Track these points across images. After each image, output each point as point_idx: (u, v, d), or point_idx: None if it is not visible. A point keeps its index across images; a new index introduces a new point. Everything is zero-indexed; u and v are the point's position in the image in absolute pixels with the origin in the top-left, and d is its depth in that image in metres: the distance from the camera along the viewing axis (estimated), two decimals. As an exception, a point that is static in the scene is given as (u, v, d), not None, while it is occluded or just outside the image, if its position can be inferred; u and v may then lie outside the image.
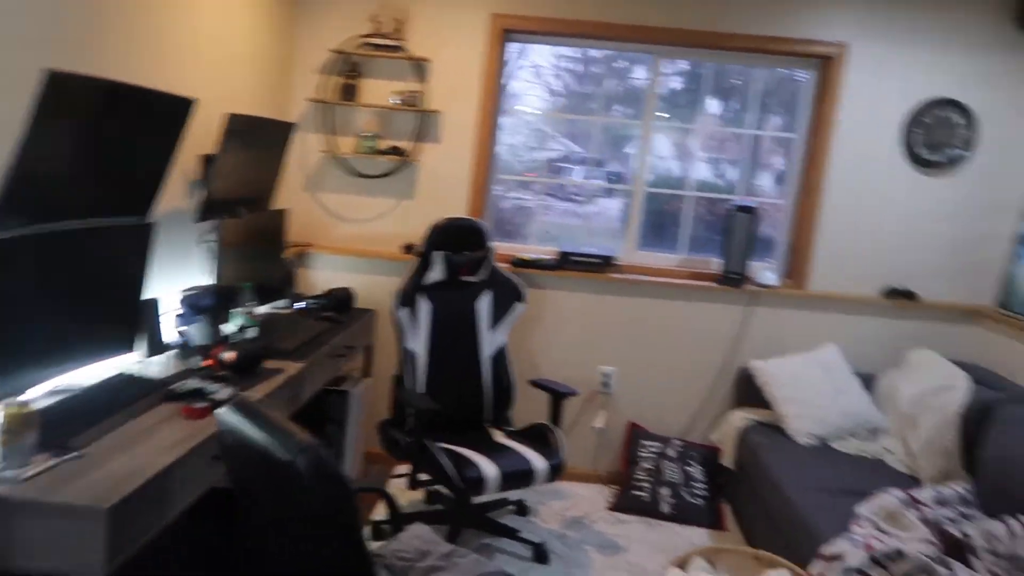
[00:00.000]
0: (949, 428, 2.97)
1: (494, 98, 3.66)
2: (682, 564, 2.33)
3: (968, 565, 2.31)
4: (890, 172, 3.63)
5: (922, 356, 3.46)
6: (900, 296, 3.66)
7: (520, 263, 3.71)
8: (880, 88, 3.57)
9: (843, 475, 2.94)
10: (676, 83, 3.86)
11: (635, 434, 3.76)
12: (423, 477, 2.94)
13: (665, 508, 3.48)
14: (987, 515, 2.59)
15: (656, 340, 3.79)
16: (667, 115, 3.82)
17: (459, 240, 3.35)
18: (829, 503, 2.66)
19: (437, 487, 3.47)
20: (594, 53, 3.82)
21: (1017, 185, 3.57)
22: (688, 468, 3.64)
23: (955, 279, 3.69)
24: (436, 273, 3.29)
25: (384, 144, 3.68)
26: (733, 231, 3.63)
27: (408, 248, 3.71)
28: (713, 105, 3.84)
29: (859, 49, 3.54)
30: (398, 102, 3.61)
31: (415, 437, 2.89)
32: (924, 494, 2.60)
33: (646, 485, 3.58)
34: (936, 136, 3.56)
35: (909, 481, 2.97)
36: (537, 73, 3.86)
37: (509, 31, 3.65)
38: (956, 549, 2.34)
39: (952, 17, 3.50)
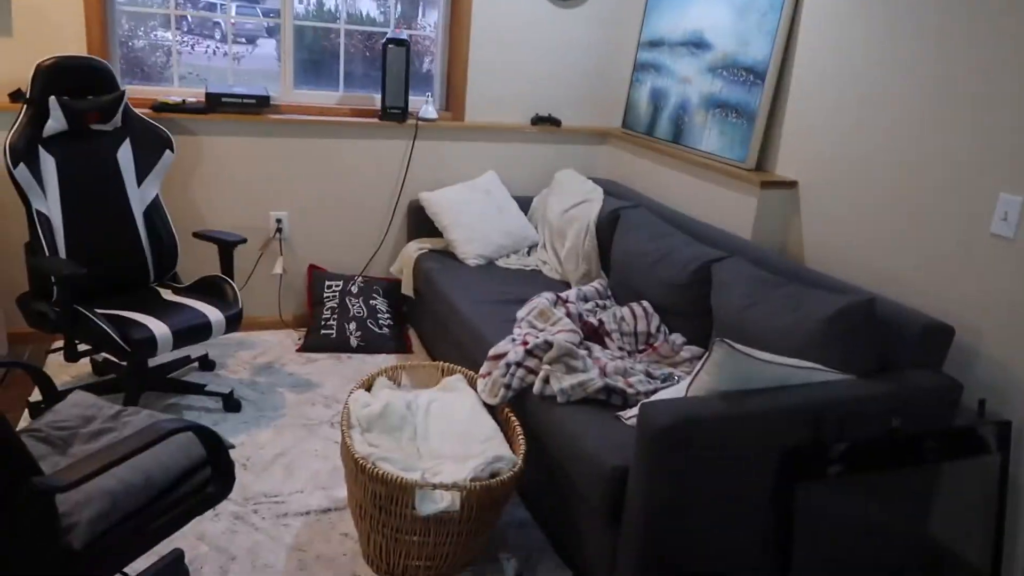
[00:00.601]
0: (588, 236, 3.42)
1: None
2: (368, 386, 2.46)
3: (604, 345, 2.76)
4: (531, 5, 3.83)
5: (565, 176, 3.87)
6: (546, 122, 4.00)
7: (162, 107, 3.33)
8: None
9: (506, 288, 3.27)
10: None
11: (316, 276, 3.76)
12: (84, 348, 2.67)
13: (353, 342, 3.60)
14: (618, 304, 3.10)
15: (325, 180, 3.73)
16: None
17: (80, 83, 2.88)
18: (495, 313, 2.96)
19: (106, 356, 3.18)
20: None
21: (636, 13, 3.99)
22: (372, 302, 3.76)
23: (590, 104, 4.12)
24: (56, 122, 2.82)
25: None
26: (389, 65, 3.61)
27: (16, 95, 3.11)
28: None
29: None
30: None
31: (64, 306, 2.58)
32: (570, 293, 3.01)
33: (333, 323, 3.65)
34: (569, -32, 3.81)
35: (561, 286, 3.41)
36: None
37: None
38: (595, 334, 2.78)
39: None
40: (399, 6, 3.80)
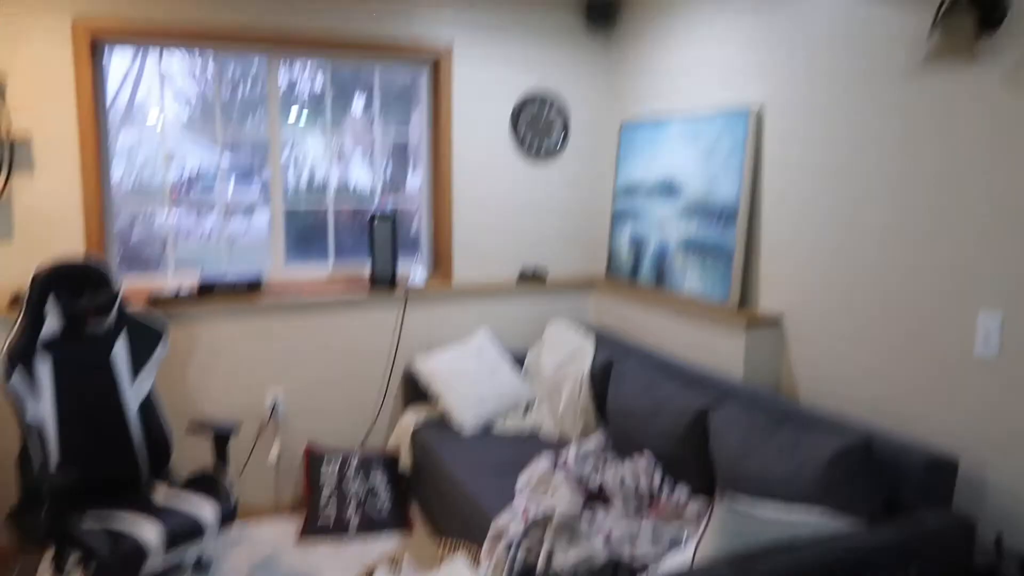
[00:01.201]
0: (583, 391, 3.40)
1: (93, 115, 3.29)
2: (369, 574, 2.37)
3: (608, 506, 2.68)
4: (507, 162, 4.01)
5: (556, 328, 3.90)
6: (533, 276, 4.08)
7: (157, 300, 3.41)
8: (486, 83, 3.91)
9: (505, 454, 3.21)
10: (316, 87, 3.82)
11: (312, 457, 3.71)
12: (73, 559, 2.58)
13: (353, 525, 3.50)
14: (619, 458, 3.03)
15: (318, 356, 3.76)
16: (302, 122, 3.78)
17: (77, 284, 2.98)
18: (495, 482, 2.89)
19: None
20: (230, 56, 3.63)
21: (609, 163, 4.17)
22: (371, 478, 3.68)
23: (574, 254, 4.22)
24: (53, 325, 2.89)
25: (-40, 187, 3.11)
26: (377, 236, 3.73)
27: (16, 301, 3.21)
28: (355, 108, 3.88)
29: (462, 49, 3.84)
30: (-30, 137, 3.07)
31: (51, 516, 2.53)
32: (569, 454, 2.95)
33: (332, 507, 3.55)
34: (537, 128, 4.02)
35: (559, 445, 3.35)
36: (164, 80, 3.55)
37: (100, 38, 3.30)
38: (599, 496, 2.70)
39: (536, 16, 3.95)
40: (388, 172, 3.98)
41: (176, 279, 3.65)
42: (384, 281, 3.77)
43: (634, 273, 3.81)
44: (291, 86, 3.78)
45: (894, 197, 2.45)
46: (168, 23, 3.35)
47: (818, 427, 2.38)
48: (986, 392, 2.15)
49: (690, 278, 3.37)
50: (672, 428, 2.77)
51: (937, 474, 2.08)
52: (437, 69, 3.86)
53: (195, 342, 3.54)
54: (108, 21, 3.26)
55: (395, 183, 4.03)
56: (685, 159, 3.44)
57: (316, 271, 3.86)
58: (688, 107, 3.49)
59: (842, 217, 2.66)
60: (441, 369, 3.67)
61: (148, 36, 3.33)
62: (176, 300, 3.44)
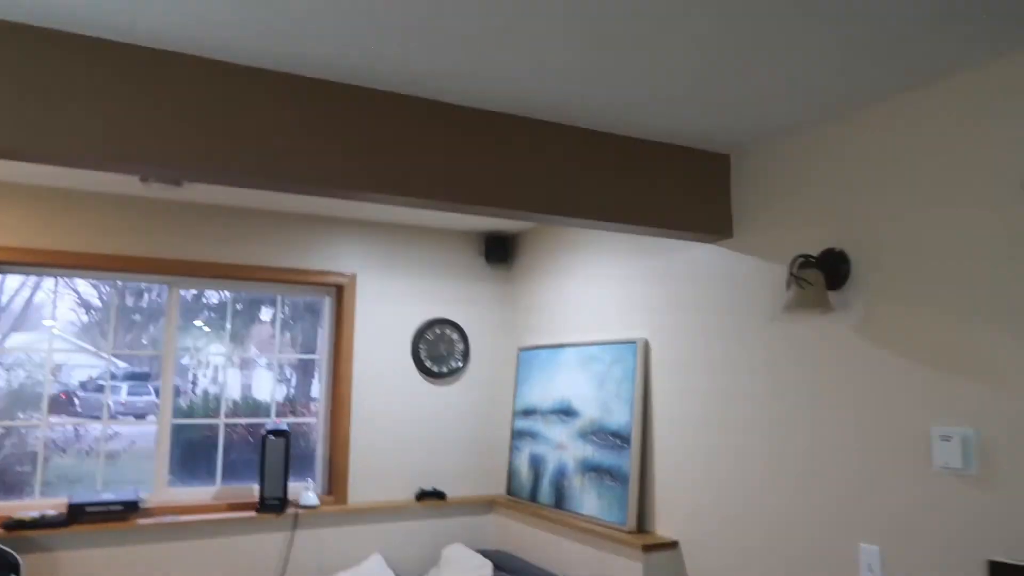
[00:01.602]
0: (480, 619, 3.24)
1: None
2: None
3: None
4: (407, 384, 4.06)
5: (453, 551, 3.77)
6: (430, 496, 3.99)
7: (15, 525, 3.12)
8: (389, 309, 4.05)
9: None
10: (214, 304, 3.85)
11: None
12: None
13: None
14: None
15: (196, 585, 3.46)
16: (204, 331, 3.75)
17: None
18: None
19: None
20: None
21: (508, 385, 4.28)
22: None
23: (475, 473, 4.19)
24: None
25: None
26: (269, 454, 3.62)
27: None
28: (261, 318, 3.90)
29: (366, 277, 4.01)
30: None
31: None
32: None
33: None
34: (438, 350, 4.14)
35: None
36: (60, 295, 3.49)
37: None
38: None
39: (438, 252, 4.21)
40: (292, 385, 3.93)
41: (43, 501, 3.37)
42: (274, 502, 3.60)
43: (534, 494, 3.80)
44: (196, 296, 3.81)
45: (773, 429, 2.62)
46: (68, 251, 3.38)
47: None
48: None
49: (588, 500, 3.39)
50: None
51: None
52: (341, 295, 3.99)
53: (59, 573, 3.21)
54: (8, 249, 3.27)
55: (300, 396, 3.99)
56: (580, 385, 3.60)
57: (202, 490, 3.66)
58: (581, 337, 3.72)
59: (729, 445, 2.80)
60: (330, 600, 3.43)
61: (47, 264, 3.34)
62: (39, 524, 3.16)
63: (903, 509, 2.17)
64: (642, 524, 3.17)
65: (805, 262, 2.44)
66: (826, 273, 2.43)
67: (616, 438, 3.30)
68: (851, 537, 2.31)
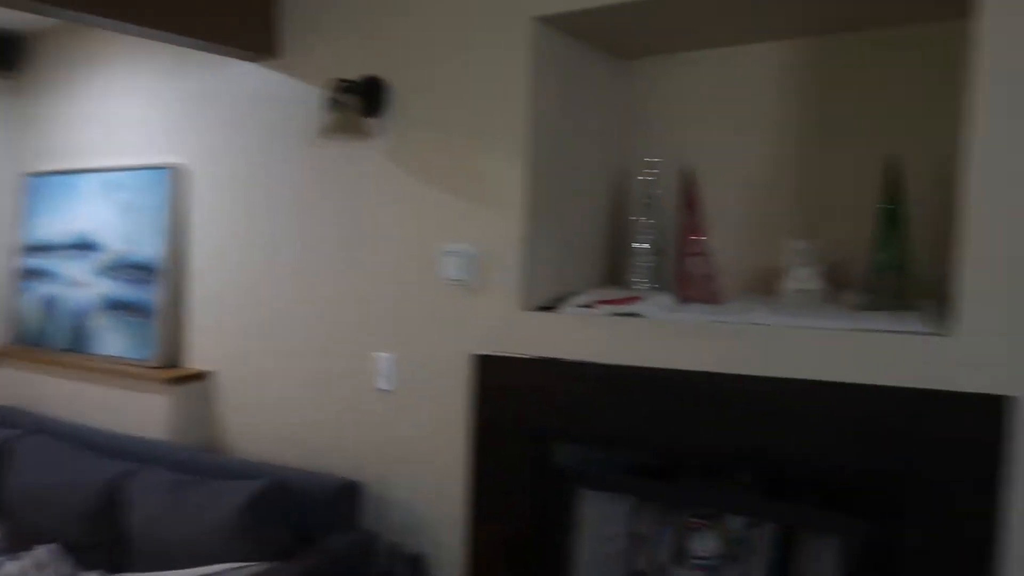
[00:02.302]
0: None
1: None
2: None
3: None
4: None
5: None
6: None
7: None
8: None
9: None
10: None
11: None
12: None
13: None
14: (15, 553, 2.55)
15: None
16: None
17: None
18: None
19: None
20: None
21: (9, 218, 3.60)
22: None
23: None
24: None
25: None
26: None
27: None
28: None
29: None
30: None
31: None
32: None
33: None
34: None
35: None
36: None
37: None
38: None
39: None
40: None
41: None
42: None
43: (46, 339, 3.33)
44: None
45: (307, 252, 2.64)
46: None
47: (236, 477, 2.37)
48: (386, 419, 2.43)
49: (112, 340, 3.09)
50: (83, 506, 2.45)
51: (345, 499, 2.25)
52: None
53: None
54: None
55: None
56: (103, 216, 3.19)
57: None
58: (106, 162, 3.25)
59: (265, 271, 2.75)
60: None
61: None
62: None
63: (415, 318, 2.39)
64: (174, 359, 3.00)
65: (345, 87, 2.42)
66: (365, 99, 2.44)
67: (144, 271, 3.02)
68: (369, 348, 2.48)
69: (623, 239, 2.62)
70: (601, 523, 2.14)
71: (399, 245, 2.42)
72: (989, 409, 1.57)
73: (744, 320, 1.86)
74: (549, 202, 2.27)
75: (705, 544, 1.95)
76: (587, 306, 2.12)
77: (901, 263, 1.87)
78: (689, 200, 2.14)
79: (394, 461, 2.41)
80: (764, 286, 2.37)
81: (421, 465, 2.36)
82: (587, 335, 2.07)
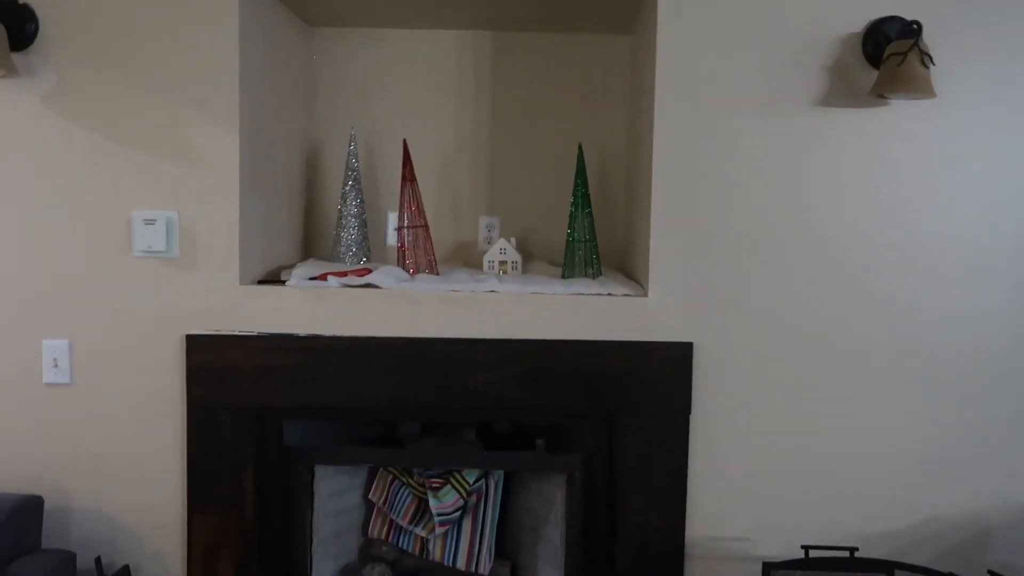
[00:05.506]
0: None
1: None
2: None
3: None
4: None
5: None
6: None
7: None
8: None
9: None
10: None
11: None
12: None
13: None
14: None
15: None
16: None
17: None
18: None
19: None
20: None
21: None
22: None
23: None
24: None
25: None
26: None
27: None
28: None
29: None
30: None
31: None
32: None
33: None
34: None
35: None
36: None
37: None
38: None
39: None
40: None
41: None
42: None
43: None
44: None
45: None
46: None
47: None
48: (64, 418, 2.06)
49: None
50: None
51: (23, 518, 1.87)
52: None
53: None
54: None
55: None
56: None
57: None
58: None
59: None
60: None
61: None
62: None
63: (100, 298, 2.05)
64: None
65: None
66: (8, 29, 1.97)
67: None
68: (35, 335, 2.06)
69: (319, 210, 2.59)
70: (337, 497, 2.13)
71: (71, 211, 2.03)
72: (677, 354, 1.95)
73: (480, 288, 1.99)
74: (258, 170, 2.13)
75: (444, 500, 2.07)
76: (314, 279, 2.06)
77: (590, 237, 2.18)
78: (406, 173, 2.20)
79: (84, 466, 2.06)
80: (463, 258, 2.58)
81: (122, 467, 2.06)
82: (321, 308, 2.01)
